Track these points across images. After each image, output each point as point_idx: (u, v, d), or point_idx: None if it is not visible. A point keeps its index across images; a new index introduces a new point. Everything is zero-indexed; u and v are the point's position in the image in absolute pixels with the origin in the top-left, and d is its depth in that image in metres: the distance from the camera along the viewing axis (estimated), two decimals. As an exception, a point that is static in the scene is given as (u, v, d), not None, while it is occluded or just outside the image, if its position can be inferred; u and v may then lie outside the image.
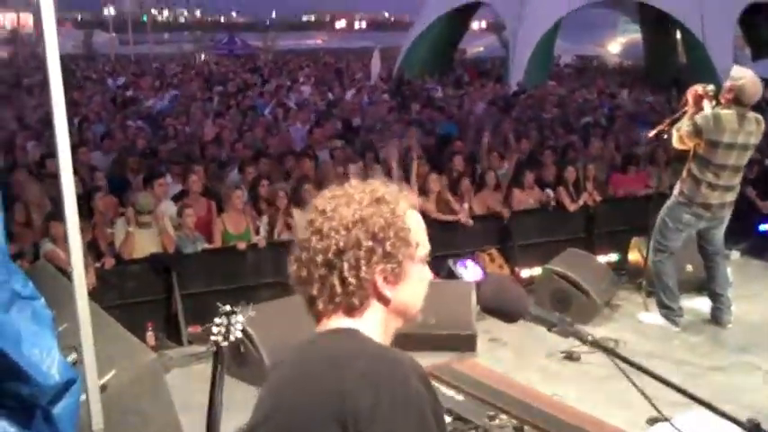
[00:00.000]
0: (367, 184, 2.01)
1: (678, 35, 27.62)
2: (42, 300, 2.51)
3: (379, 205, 1.95)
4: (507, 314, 2.26)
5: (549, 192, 10.68)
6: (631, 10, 31.31)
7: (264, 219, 9.53)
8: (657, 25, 28.07)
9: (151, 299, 8.29)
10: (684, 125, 7.32)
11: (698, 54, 23.66)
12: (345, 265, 1.91)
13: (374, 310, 1.96)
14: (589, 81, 25.86)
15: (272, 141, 13.05)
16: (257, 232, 9.39)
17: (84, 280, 4.14)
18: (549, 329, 2.28)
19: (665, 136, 7.80)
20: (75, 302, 4.08)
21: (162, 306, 8.36)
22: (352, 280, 1.91)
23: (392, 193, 1.99)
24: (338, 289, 1.92)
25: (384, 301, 1.95)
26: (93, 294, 6.02)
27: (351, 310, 1.94)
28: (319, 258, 1.93)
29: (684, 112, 7.39)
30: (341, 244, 1.91)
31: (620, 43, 46.17)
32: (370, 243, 1.91)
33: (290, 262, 2.01)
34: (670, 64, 28.93)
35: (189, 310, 8.38)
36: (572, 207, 10.62)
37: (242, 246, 8.96)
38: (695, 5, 23.73)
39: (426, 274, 2.02)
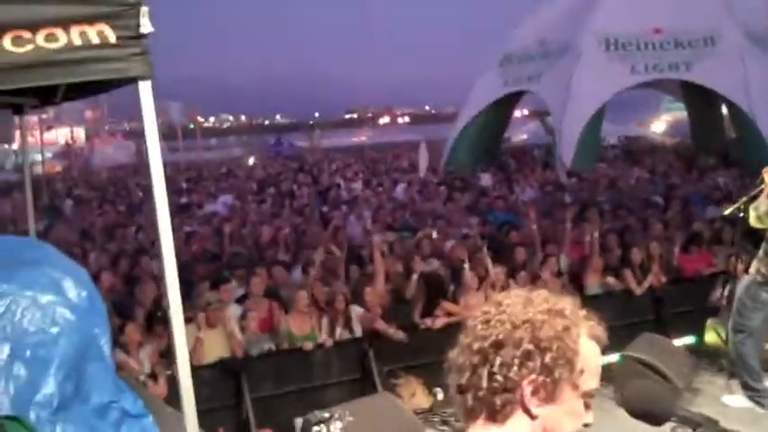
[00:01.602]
0: (558, 297, 1.93)
1: (724, 110, 27.55)
2: (151, 417, 2.47)
3: (556, 317, 1.86)
4: (655, 417, 2.15)
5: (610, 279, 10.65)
6: (674, 89, 31.35)
7: (325, 320, 9.52)
8: (702, 102, 28.08)
9: (222, 404, 8.23)
10: (763, 204, 7.22)
11: (747, 128, 23.54)
12: (498, 360, 1.82)
13: (519, 422, 1.84)
14: (638, 161, 25.76)
15: (329, 239, 13.08)
16: (321, 333, 9.37)
17: (192, 400, 4.09)
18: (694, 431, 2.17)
19: (741, 214, 7.68)
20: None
21: (233, 411, 8.30)
22: (499, 377, 1.81)
23: (575, 313, 1.90)
24: (484, 383, 1.83)
25: (530, 415, 1.83)
26: (167, 402, 5.98)
27: (493, 413, 1.83)
28: (476, 346, 1.85)
29: (761, 191, 7.30)
30: (501, 337, 1.83)
31: (664, 122, 46.18)
32: (531, 347, 1.81)
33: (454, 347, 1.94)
34: (718, 139, 28.78)
35: (258, 413, 8.31)
36: (639, 290, 10.50)
37: (309, 346, 8.93)
38: (740, 79, 23.74)
39: (580, 410, 1.86)
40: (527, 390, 1.81)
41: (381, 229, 13.81)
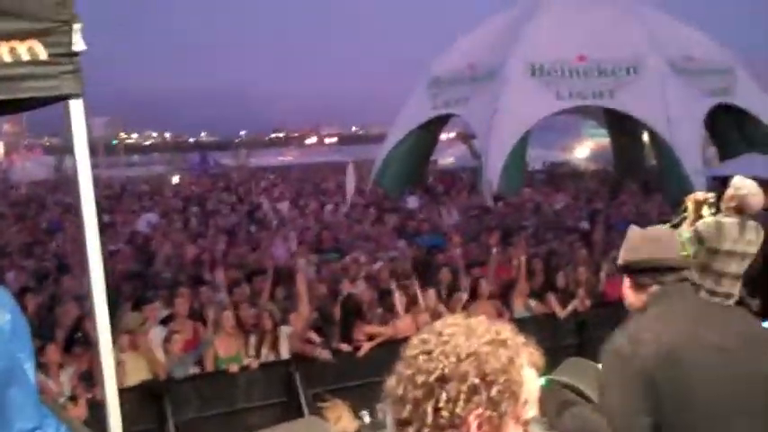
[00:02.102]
0: (494, 323, 1.90)
1: (646, 137, 28.23)
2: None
3: (499, 348, 1.83)
4: None
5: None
6: (598, 115, 32.02)
7: (252, 341, 9.45)
8: (625, 129, 28.74)
9: (145, 428, 8.08)
10: (686, 232, 7.40)
11: (667, 156, 24.13)
12: (443, 395, 1.78)
13: None
14: (563, 186, 26.21)
15: (255, 260, 13.02)
16: (247, 355, 9.30)
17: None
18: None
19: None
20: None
21: (155, 434, 8.16)
22: (445, 413, 1.78)
23: (517, 341, 1.88)
24: (429, 419, 1.79)
25: None
26: (87, 425, 5.84)
27: None
28: (420, 379, 1.81)
29: (683, 219, 7.48)
30: (446, 371, 1.79)
31: (588, 147, 47.06)
32: (477, 381, 1.78)
33: (390, 375, 1.89)
34: (639, 167, 29.46)
35: (182, 437, 8.19)
36: (563, 314, 10.68)
37: (234, 368, 8.85)
38: (660, 108, 24.33)
39: None
40: (473, 425, 1.79)
41: (307, 251, 13.80)
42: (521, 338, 1.90)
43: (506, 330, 1.90)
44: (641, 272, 3.25)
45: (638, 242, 3.31)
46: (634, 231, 3.43)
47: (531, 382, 1.86)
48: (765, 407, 2.81)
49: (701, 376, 2.76)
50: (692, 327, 2.87)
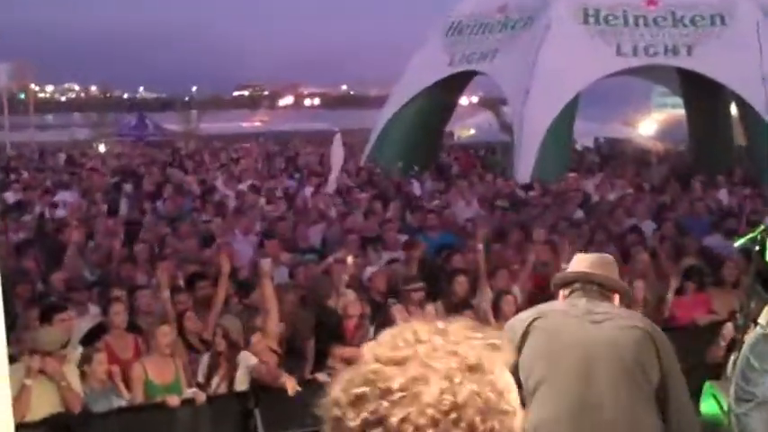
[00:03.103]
0: (444, 330, 1.95)
1: (734, 109, 28.12)
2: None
3: (476, 376, 1.88)
4: None
5: None
6: (670, 79, 31.74)
7: (204, 360, 9.47)
8: (705, 97, 28.58)
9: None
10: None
11: (761, 133, 24.02)
12: None
13: None
14: (621, 172, 26.15)
15: (207, 258, 13.04)
16: (190, 383, 9.32)
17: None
18: None
19: (757, 248, 7.79)
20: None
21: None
22: None
23: (486, 350, 1.94)
24: None
25: None
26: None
27: None
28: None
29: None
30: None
31: (655, 121, 47.05)
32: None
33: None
34: (724, 147, 29.27)
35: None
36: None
37: (174, 402, 8.85)
38: (754, 70, 24.21)
39: None
40: None
41: (277, 249, 13.82)
42: (483, 334, 1.96)
43: (464, 335, 1.94)
44: None
45: None
46: None
47: (513, 388, 1.95)
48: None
49: None
50: None
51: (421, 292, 10.99)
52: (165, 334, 9.33)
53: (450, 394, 1.83)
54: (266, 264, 11.27)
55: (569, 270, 6.07)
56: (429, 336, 1.92)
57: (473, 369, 1.88)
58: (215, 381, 9.37)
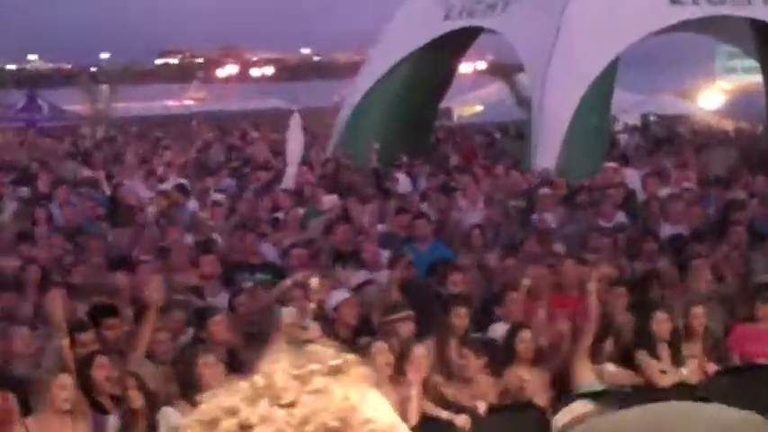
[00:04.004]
0: (270, 387, 1.94)
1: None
2: None
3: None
4: None
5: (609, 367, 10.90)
6: (740, 35, 31.67)
7: (110, 422, 9.41)
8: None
9: None
10: None
11: None
12: None
13: None
14: (676, 159, 26.11)
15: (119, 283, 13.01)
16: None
17: None
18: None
19: None
20: None
21: None
22: None
23: (336, 386, 1.95)
24: None
25: None
26: None
27: None
28: None
29: None
30: None
31: (721, 91, 47.13)
32: None
33: None
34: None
35: None
36: (664, 381, 10.77)
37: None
38: None
39: None
40: None
41: (213, 268, 13.92)
42: (326, 363, 1.99)
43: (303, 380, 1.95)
44: None
45: None
46: None
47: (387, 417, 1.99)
48: None
49: None
50: None
51: (409, 324, 10.95)
52: (64, 386, 9.25)
53: None
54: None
55: None
56: (256, 410, 1.91)
57: (339, 430, 1.90)
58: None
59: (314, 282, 12.64)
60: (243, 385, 1.95)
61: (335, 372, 1.96)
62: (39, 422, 9.22)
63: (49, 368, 9.85)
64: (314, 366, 1.95)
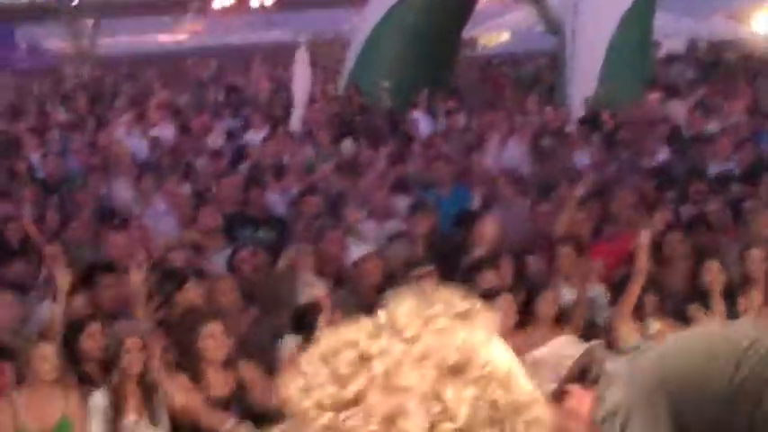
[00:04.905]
0: (392, 324, 2.05)
1: None
2: None
3: (466, 376, 1.97)
4: None
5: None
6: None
7: (98, 395, 9.40)
8: None
9: None
10: None
11: None
12: None
13: None
14: (726, 91, 26.05)
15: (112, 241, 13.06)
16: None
17: None
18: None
19: None
20: None
21: None
22: None
23: (459, 328, 2.03)
24: None
25: None
26: None
27: None
28: None
29: None
30: None
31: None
32: None
33: None
34: None
35: None
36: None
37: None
38: None
39: None
40: None
41: (214, 222, 14.03)
42: (452, 306, 2.07)
43: (424, 319, 2.04)
44: None
45: None
46: None
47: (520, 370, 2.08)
48: None
49: None
50: None
51: (432, 280, 10.93)
52: (45, 357, 9.25)
53: (446, 419, 1.91)
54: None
55: None
56: (377, 343, 2.01)
57: (459, 369, 1.97)
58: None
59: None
60: (365, 322, 2.06)
61: (461, 316, 2.04)
62: (27, 393, 9.28)
63: (30, 337, 9.84)
64: (439, 308, 2.03)
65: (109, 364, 9.56)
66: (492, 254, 12.22)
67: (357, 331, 2.02)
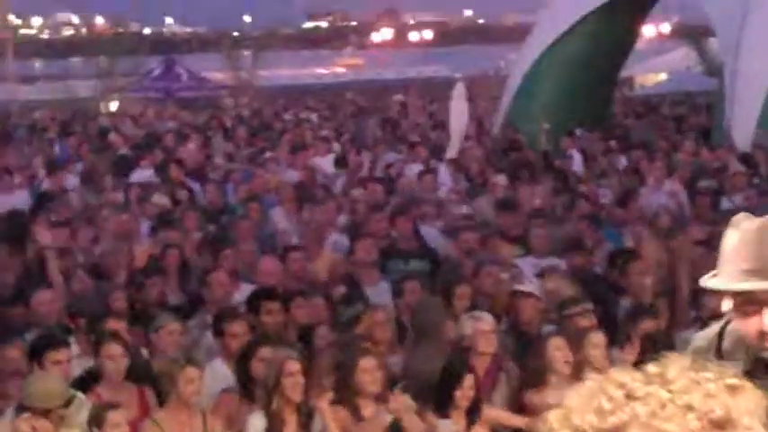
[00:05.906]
0: (660, 375, 2.06)
1: None
2: None
3: None
4: None
5: None
6: None
7: (253, 421, 9.50)
8: None
9: None
10: None
11: None
12: None
13: None
14: None
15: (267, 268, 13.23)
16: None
17: None
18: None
19: None
20: None
21: None
22: None
23: (726, 395, 2.05)
24: None
25: None
26: None
27: None
28: None
29: None
30: None
31: None
32: None
33: None
34: None
35: None
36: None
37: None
38: None
39: None
40: None
41: (371, 254, 14.18)
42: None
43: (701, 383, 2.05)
44: None
45: None
46: None
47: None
48: None
49: None
50: None
51: (589, 318, 10.98)
52: (191, 380, 9.46)
53: None
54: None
55: None
56: (644, 387, 2.02)
57: (721, 425, 1.98)
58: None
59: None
60: (634, 370, 2.06)
61: (731, 388, 2.04)
62: (169, 416, 9.40)
63: (176, 359, 9.86)
64: (711, 374, 2.04)
65: (268, 388, 9.66)
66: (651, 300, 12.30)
67: (626, 375, 2.03)
